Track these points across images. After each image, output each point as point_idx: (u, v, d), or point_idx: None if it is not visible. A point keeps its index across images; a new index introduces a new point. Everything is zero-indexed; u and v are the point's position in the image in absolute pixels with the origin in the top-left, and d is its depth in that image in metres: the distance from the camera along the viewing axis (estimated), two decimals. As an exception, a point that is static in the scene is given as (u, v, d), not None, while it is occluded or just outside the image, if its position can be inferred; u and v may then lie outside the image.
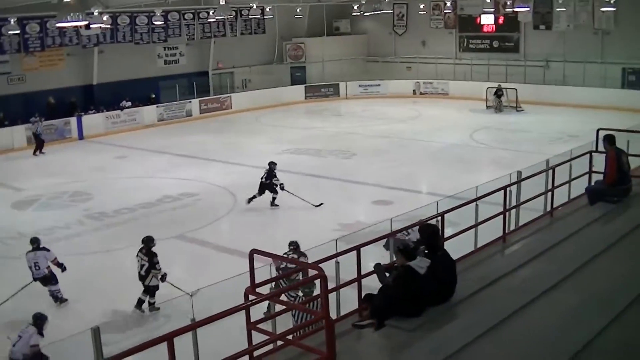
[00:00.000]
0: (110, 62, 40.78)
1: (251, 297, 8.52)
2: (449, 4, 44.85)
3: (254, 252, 8.73)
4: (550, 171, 14.52)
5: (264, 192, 23.88)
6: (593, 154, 15.10)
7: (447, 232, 12.12)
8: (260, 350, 8.19)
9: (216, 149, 34.58)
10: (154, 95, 42.66)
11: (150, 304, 16.46)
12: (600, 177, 14.10)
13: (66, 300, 16.90)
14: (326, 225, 20.99)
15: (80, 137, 38.24)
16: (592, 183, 14.61)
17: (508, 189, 13.63)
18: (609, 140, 13.71)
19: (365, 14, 47.80)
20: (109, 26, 35.32)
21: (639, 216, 12.30)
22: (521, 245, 12.30)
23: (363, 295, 9.64)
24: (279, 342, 8.46)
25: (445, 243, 11.36)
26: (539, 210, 14.54)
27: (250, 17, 42.78)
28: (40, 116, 35.28)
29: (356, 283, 10.08)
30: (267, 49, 51.14)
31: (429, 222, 10.81)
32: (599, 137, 15.35)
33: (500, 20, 49.07)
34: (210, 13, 40.35)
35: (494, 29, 49.82)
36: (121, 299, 16.84)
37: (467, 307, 9.24)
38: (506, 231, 12.77)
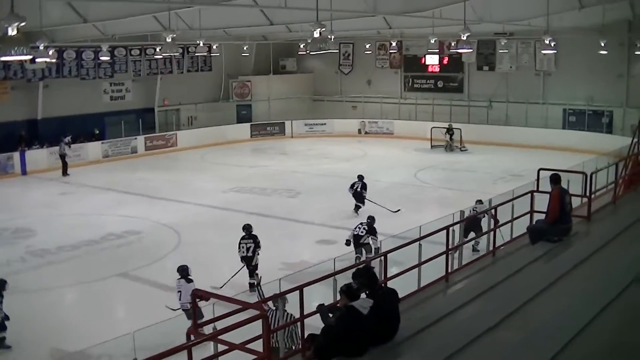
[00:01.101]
0: (56, 97, 40.43)
1: (193, 337, 8.52)
2: (394, 44, 45.35)
3: (196, 292, 8.75)
4: (493, 211, 14.71)
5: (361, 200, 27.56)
6: (534, 193, 15.34)
7: (391, 271, 12.21)
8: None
9: (161, 186, 34.39)
10: (97, 131, 42.23)
11: (253, 284, 18.85)
12: (542, 216, 14.32)
13: (9, 347, 16.42)
14: (270, 264, 20.91)
15: (24, 172, 37.74)
16: (534, 222, 14.82)
17: (451, 228, 13.80)
18: (554, 179, 13.97)
19: (311, 53, 48.12)
20: (54, 60, 35.07)
21: (579, 255, 12.50)
22: (464, 285, 12.43)
23: (306, 335, 9.67)
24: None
25: (389, 282, 11.47)
26: (481, 249, 14.70)
27: (197, 54, 42.84)
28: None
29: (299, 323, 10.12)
30: (214, 87, 51.17)
31: (366, 264, 10.88)
32: (540, 177, 15.63)
33: (445, 61, 49.84)
34: (157, 50, 40.34)
35: (439, 69, 50.60)
36: (62, 338, 16.65)
37: (410, 347, 9.29)
38: (449, 270, 12.90)
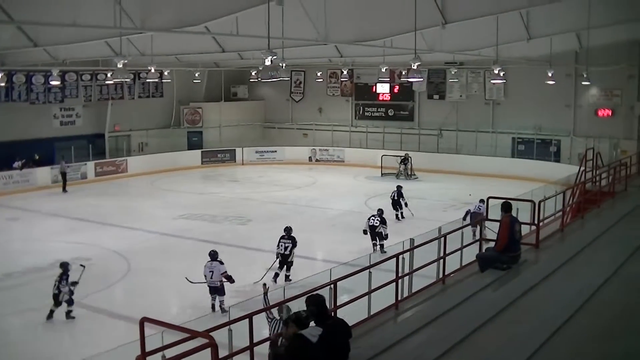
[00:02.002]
0: (5, 121, 39.92)
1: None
2: (345, 72, 45.59)
3: (144, 320, 8.66)
4: (443, 238, 14.79)
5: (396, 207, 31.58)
6: (483, 221, 15.46)
7: (342, 299, 12.23)
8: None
9: (111, 212, 34.07)
10: (37, 157, 41.50)
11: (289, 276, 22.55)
12: (492, 243, 14.44)
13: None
14: (221, 292, 20.86)
15: (-30, 197, 37.15)
16: (483, 250, 14.93)
17: (401, 256, 13.84)
18: (505, 207, 14.11)
19: (262, 81, 48.17)
20: (3, 84, 34.76)
21: (527, 282, 12.61)
22: (414, 312, 12.45)
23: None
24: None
25: (339, 310, 11.47)
26: (431, 277, 14.76)
27: (148, 80, 42.57)
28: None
29: (249, 351, 10.07)
30: (165, 113, 51.01)
31: (318, 291, 10.85)
32: (489, 205, 15.78)
33: (396, 89, 50.28)
34: (108, 75, 40.12)
35: (390, 97, 51.03)
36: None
37: (359, 375, 9.29)
38: (399, 298, 12.92)
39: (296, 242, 23.11)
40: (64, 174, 40.25)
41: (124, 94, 46.50)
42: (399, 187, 32.42)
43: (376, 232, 26.11)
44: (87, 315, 20.02)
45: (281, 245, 23.08)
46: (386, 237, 26.06)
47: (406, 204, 31.86)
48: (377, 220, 26.35)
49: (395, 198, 31.87)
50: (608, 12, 26.98)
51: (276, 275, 22.49)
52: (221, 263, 20.10)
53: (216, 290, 20.03)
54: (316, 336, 8.84)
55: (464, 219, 25.61)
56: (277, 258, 23.02)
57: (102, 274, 23.75)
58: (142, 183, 42.72)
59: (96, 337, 18.17)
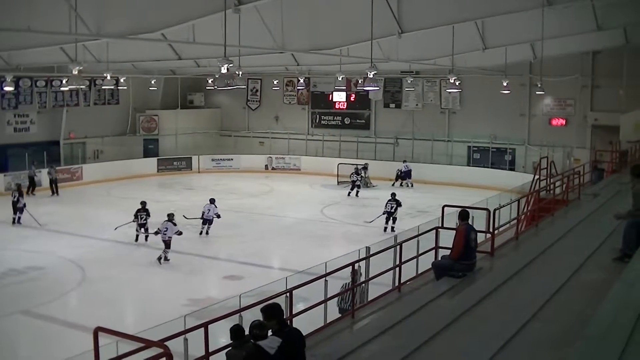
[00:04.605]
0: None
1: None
2: (302, 80, 45.62)
3: (98, 329, 8.58)
4: (398, 246, 14.83)
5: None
6: (439, 229, 15.53)
7: (298, 307, 12.22)
8: None
9: (65, 220, 33.74)
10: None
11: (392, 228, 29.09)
12: (447, 251, 14.50)
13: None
14: (176, 301, 20.74)
15: None
16: (439, 258, 14.99)
17: (357, 264, 13.86)
18: (462, 215, 14.20)
19: (219, 89, 47.97)
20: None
21: (482, 290, 12.68)
22: (370, 320, 12.47)
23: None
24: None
25: (295, 319, 11.45)
26: (387, 285, 14.79)
27: (104, 87, 42.12)
28: None
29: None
30: (120, 120, 50.64)
31: (274, 300, 10.82)
32: (444, 213, 15.86)
33: (352, 98, 50.50)
34: (63, 82, 39.64)
35: (346, 106, 51.23)
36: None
37: (315, 384, 9.28)
38: (355, 306, 12.94)
39: (401, 203, 31.45)
40: (32, 179, 40.37)
41: (79, 101, 46.14)
42: (394, 195, 32.22)
43: (392, 216, 31.17)
44: (40, 325, 19.83)
45: (389, 205, 31.19)
46: (394, 220, 31.18)
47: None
48: (394, 205, 31.27)
49: (392, 211, 31.38)
50: (561, 24, 27.33)
51: (385, 229, 30.46)
52: (216, 207, 29.90)
53: (207, 222, 29.92)
54: (274, 348, 8.79)
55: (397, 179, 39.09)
56: (384, 214, 31.17)
57: (56, 283, 23.55)
58: (98, 191, 42.35)
59: (49, 347, 17.99)
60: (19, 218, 33.17)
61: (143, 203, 29.79)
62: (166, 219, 26.44)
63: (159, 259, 25.74)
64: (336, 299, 14.53)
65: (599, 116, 39.76)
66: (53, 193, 40.98)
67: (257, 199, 39.87)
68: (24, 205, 33.39)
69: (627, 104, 35.90)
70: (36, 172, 40.81)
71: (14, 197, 33.60)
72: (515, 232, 18.03)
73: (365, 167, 44.22)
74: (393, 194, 32.12)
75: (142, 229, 29.12)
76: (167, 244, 25.97)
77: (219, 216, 30.02)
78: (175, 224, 26.42)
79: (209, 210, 29.92)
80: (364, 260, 15.63)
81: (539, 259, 14.84)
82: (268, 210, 36.21)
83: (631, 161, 28.97)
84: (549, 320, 10.78)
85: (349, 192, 41.57)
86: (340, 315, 13.60)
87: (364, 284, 15.14)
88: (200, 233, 29.93)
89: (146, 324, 17.52)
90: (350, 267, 13.85)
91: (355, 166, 43.21)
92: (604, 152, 33.32)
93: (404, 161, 45.69)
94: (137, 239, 29.12)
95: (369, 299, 14.65)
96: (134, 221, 29.29)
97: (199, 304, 19.87)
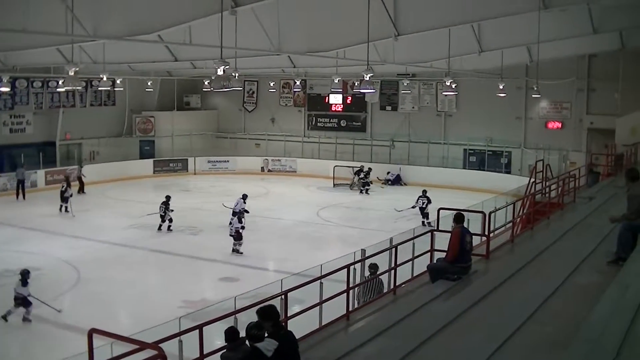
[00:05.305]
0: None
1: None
2: (298, 82, 45.57)
3: (93, 331, 8.57)
4: (394, 249, 14.82)
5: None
6: (435, 232, 15.53)
7: (293, 309, 12.21)
8: None
9: (61, 221, 33.73)
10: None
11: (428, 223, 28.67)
12: (442, 254, 14.50)
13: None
14: (171, 303, 20.72)
15: None
16: (434, 261, 14.98)
17: (352, 266, 13.86)
18: (457, 218, 14.19)
19: (215, 90, 47.92)
20: (-49, 90, 34.32)
21: (477, 293, 12.69)
22: (365, 323, 12.46)
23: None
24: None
25: (290, 321, 11.45)
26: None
27: (100, 88, 42.00)
28: None
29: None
30: (117, 122, 50.59)
31: (269, 302, 10.81)
32: (440, 216, 15.87)
33: (348, 100, 50.48)
34: (60, 82, 39.66)
35: (342, 108, 51.25)
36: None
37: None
38: (350, 309, 12.94)
39: (431, 200, 32.39)
40: (21, 182, 40.14)
41: (75, 102, 46.11)
42: (424, 192, 34.13)
43: (424, 212, 32.30)
44: (35, 326, 19.80)
45: (420, 201, 32.99)
46: (427, 215, 32.00)
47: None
48: (425, 201, 32.88)
49: (423, 206, 33.02)
50: (558, 27, 27.37)
51: (423, 223, 31.08)
52: (244, 202, 30.39)
53: (236, 215, 29.47)
54: (271, 350, 8.80)
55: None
56: (413, 207, 33.40)
57: (51, 284, 23.49)
58: (93, 192, 42.29)
59: (44, 347, 17.99)
60: (66, 207, 35.92)
61: (167, 197, 32.21)
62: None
63: (233, 251, 27.57)
64: (353, 295, 14.61)
65: (595, 119, 39.87)
66: (23, 197, 40.29)
67: (253, 201, 39.64)
68: (71, 195, 36.51)
69: (623, 107, 36.01)
70: (25, 174, 40.62)
71: (62, 187, 36.75)
72: (510, 235, 18.02)
73: (361, 170, 44.27)
74: (424, 191, 34.13)
75: (164, 220, 31.76)
76: (236, 237, 27.75)
77: (246, 211, 30.73)
78: (241, 220, 28.65)
79: (237, 204, 30.82)
80: (360, 263, 15.65)
81: (534, 262, 14.85)
82: (264, 212, 36.14)
83: (627, 164, 28.99)
84: (544, 323, 10.79)
85: (361, 190, 43.26)
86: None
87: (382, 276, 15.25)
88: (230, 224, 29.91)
89: (141, 326, 17.51)
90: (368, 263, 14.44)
91: (355, 168, 43.66)
92: (600, 156, 33.34)
93: (388, 172, 46.67)
94: (159, 228, 31.71)
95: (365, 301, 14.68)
96: (160, 212, 31.93)
97: (194, 306, 19.86)
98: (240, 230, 27.82)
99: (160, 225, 31.65)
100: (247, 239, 27.82)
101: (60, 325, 19.68)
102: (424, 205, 32.84)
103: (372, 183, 43.88)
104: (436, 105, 47.37)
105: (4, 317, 19.62)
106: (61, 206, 36.00)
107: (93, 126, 47.86)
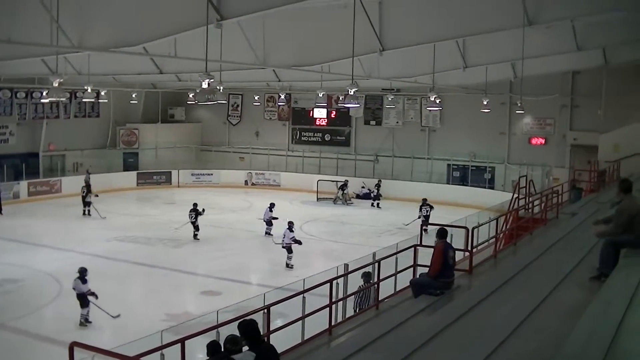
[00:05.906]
0: None
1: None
2: (283, 96, 45.60)
3: (74, 344, 8.52)
4: (377, 264, 14.82)
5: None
6: (417, 247, 15.53)
7: (276, 323, 12.19)
8: None
9: (43, 233, 33.54)
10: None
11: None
12: (425, 269, 14.51)
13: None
14: (153, 316, 20.66)
15: None
16: (417, 275, 14.98)
17: (335, 281, 13.84)
18: (440, 233, 14.22)
19: (199, 103, 47.89)
20: None
21: (460, 308, 12.68)
22: (347, 337, 12.44)
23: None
24: None
25: (273, 335, 11.42)
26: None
27: (84, 100, 41.88)
28: None
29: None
30: (101, 133, 50.47)
31: (251, 316, 10.79)
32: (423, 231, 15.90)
33: (333, 115, 50.62)
34: (44, 93, 39.51)
35: (326, 122, 51.37)
36: None
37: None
38: (332, 323, 12.92)
39: (433, 207, 34.45)
40: None
41: (59, 113, 46.01)
42: (425, 200, 35.62)
43: (428, 221, 32.03)
44: (15, 339, 19.66)
45: (424, 210, 34.48)
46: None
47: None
48: (428, 209, 34.54)
49: (427, 214, 34.49)
50: (542, 44, 27.47)
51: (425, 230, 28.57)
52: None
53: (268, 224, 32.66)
54: (248, 362, 8.80)
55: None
56: (418, 217, 33.90)
57: (32, 296, 23.39)
58: (76, 203, 42.03)
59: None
60: (89, 211, 38.25)
61: (194, 204, 33.27)
62: (286, 226, 28.63)
63: (287, 265, 27.79)
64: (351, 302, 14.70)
65: (578, 136, 40.10)
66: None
67: (236, 215, 39.80)
68: (96, 195, 38.98)
69: (606, 124, 36.19)
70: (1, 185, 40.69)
71: (83, 192, 38.65)
72: (493, 250, 18.06)
73: (345, 184, 44.38)
74: (424, 200, 35.63)
75: (197, 228, 32.80)
76: (288, 250, 27.93)
77: (274, 218, 32.87)
78: (292, 231, 28.42)
79: (265, 213, 33.20)
80: (342, 277, 15.64)
81: (517, 277, 14.86)
82: (247, 226, 36.12)
83: (609, 181, 29.13)
84: (526, 338, 10.79)
85: (373, 204, 44.06)
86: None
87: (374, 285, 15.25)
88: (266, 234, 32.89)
89: (123, 339, 17.47)
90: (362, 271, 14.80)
91: (339, 183, 43.77)
92: (583, 172, 33.47)
93: (362, 187, 47.06)
94: (195, 237, 32.77)
95: (347, 316, 14.66)
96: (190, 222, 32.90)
97: (176, 319, 19.80)
98: (293, 243, 27.99)
99: (196, 234, 32.71)
100: (230, 252, 27.73)
101: (41, 338, 19.56)
102: (428, 213, 34.36)
103: (382, 196, 44.41)
104: (420, 120, 47.54)
105: (86, 321, 20.46)
106: (84, 210, 37.54)
107: (77, 138, 47.71)
